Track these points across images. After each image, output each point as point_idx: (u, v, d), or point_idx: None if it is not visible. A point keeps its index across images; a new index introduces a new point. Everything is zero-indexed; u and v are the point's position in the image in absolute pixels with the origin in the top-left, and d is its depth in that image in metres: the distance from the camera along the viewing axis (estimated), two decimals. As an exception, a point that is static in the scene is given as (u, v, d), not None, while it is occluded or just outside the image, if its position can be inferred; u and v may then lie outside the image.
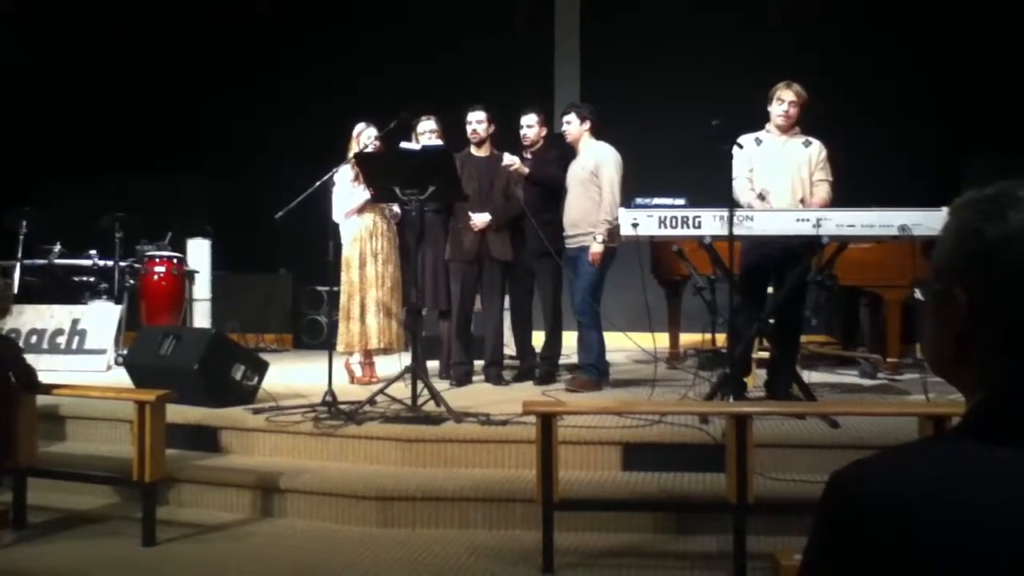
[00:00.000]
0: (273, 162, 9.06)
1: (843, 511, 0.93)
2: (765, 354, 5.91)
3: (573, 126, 6.17)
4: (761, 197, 5.30)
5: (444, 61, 9.31)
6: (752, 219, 4.90)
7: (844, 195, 5.44)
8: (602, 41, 9.46)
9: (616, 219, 5.41)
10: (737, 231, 4.83)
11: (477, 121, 6.31)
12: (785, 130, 5.36)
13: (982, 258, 0.98)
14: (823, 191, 5.32)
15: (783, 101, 5.31)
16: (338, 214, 6.12)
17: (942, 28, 8.67)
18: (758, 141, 5.38)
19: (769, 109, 5.38)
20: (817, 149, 5.36)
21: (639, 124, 8.20)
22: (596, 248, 5.90)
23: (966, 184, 1.04)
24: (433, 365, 6.54)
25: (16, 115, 9.34)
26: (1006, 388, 0.96)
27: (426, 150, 5.79)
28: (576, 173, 6.11)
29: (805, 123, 5.47)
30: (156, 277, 7.73)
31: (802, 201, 5.30)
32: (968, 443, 0.95)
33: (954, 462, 0.93)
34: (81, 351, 7.18)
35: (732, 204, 4.93)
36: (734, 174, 5.10)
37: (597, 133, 6.18)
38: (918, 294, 1.03)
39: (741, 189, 5.27)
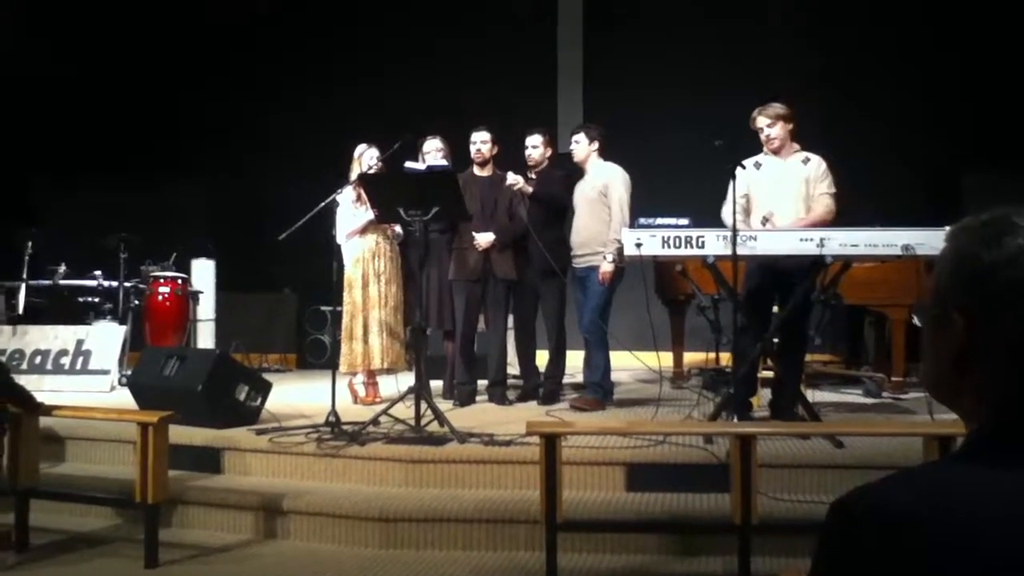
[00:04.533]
0: (277, 183, 9.08)
1: (847, 534, 0.93)
2: (770, 373, 5.89)
3: (581, 146, 6.19)
4: (764, 220, 5.29)
5: (445, 81, 9.34)
6: (755, 239, 4.89)
7: (844, 204, 5.43)
8: (605, 59, 9.49)
9: (625, 238, 5.41)
10: (740, 251, 4.82)
11: (482, 141, 6.33)
12: (780, 151, 5.35)
13: (978, 282, 0.98)
14: (820, 204, 5.28)
15: (761, 128, 5.31)
16: (341, 235, 6.14)
17: (944, 38, 8.68)
18: (758, 165, 5.36)
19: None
20: (815, 164, 5.33)
21: (642, 142, 8.22)
22: (607, 267, 5.90)
23: (968, 196, 1.05)
24: (436, 385, 6.53)
25: (19, 131, 9.37)
26: (1006, 411, 0.96)
27: (429, 170, 5.80)
28: (584, 192, 6.12)
29: (806, 134, 5.45)
30: (160, 297, 7.74)
31: (806, 220, 5.29)
32: (972, 465, 0.95)
33: (958, 485, 0.93)
34: (85, 371, 7.19)
35: (735, 224, 4.93)
36: (727, 197, 5.11)
37: (604, 153, 6.20)
38: (916, 320, 1.04)
39: (727, 214, 5.25)
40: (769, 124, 5.27)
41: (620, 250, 5.76)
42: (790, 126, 5.32)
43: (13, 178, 9.30)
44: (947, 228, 1.07)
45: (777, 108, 5.29)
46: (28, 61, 9.30)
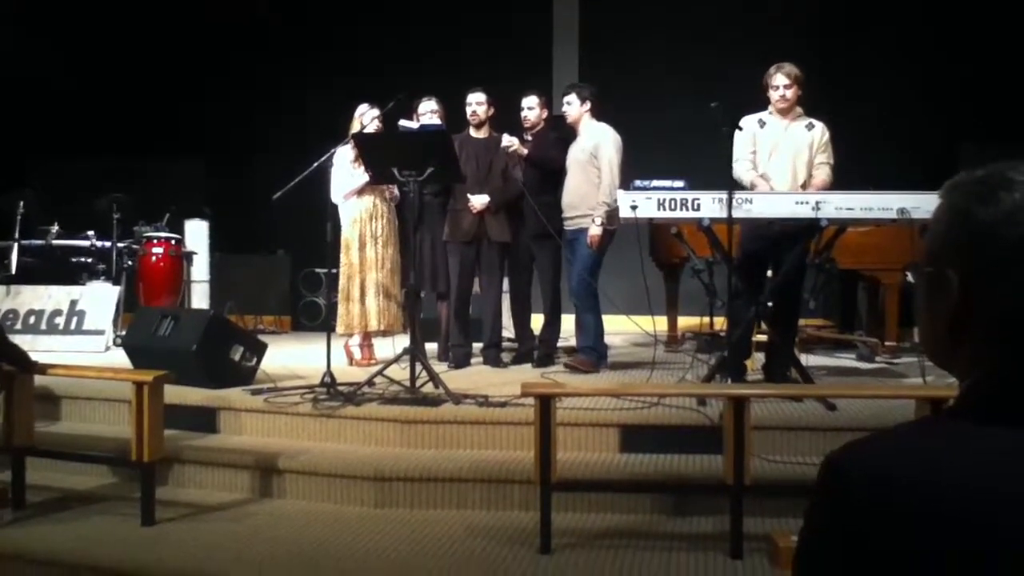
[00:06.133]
0: (272, 143, 9.02)
1: (838, 492, 0.93)
2: (764, 337, 5.92)
3: (573, 107, 6.14)
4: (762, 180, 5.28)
5: (443, 43, 9.26)
6: (751, 202, 4.89)
7: (843, 182, 5.42)
8: (601, 22, 9.41)
9: (615, 201, 5.40)
10: (736, 214, 4.82)
11: (477, 103, 6.29)
12: (786, 113, 5.34)
13: (974, 240, 0.97)
14: (823, 174, 5.30)
15: (778, 86, 5.29)
16: (337, 195, 6.11)
17: (941, 15, 8.61)
18: (761, 123, 5.35)
19: (769, 95, 5.36)
20: (820, 132, 5.33)
21: (637, 105, 8.17)
22: (595, 230, 5.88)
23: (964, 167, 1.03)
24: (432, 347, 6.54)
25: (15, 96, 9.30)
26: (1000, 369, 0.96)
27: (424, 130, 5.76)
28: (576, 155, 6.08)
29: (805, 108, 5.44)
30: (154, 258, 7.72)
31: (803, 185, 5.28)
32: (963, 424, 0.95)
33: (949, 443, 0.93)
34: (79, 332, 7.19)
35: (731, 186, 4.92)
36: (735, 156, 5.08)
37: (597, 114, 6.16)
38: (910, 277, 1.03)
39: (744, 171, 5.25)
40: (787, 84, 5.26)
41: (609, 213, 5.75)
42: (800, 92, 5.31)
43: (10, 144, 9.22)
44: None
45: (795, 69, 5.28)
46: (31, 37, 9.21)
